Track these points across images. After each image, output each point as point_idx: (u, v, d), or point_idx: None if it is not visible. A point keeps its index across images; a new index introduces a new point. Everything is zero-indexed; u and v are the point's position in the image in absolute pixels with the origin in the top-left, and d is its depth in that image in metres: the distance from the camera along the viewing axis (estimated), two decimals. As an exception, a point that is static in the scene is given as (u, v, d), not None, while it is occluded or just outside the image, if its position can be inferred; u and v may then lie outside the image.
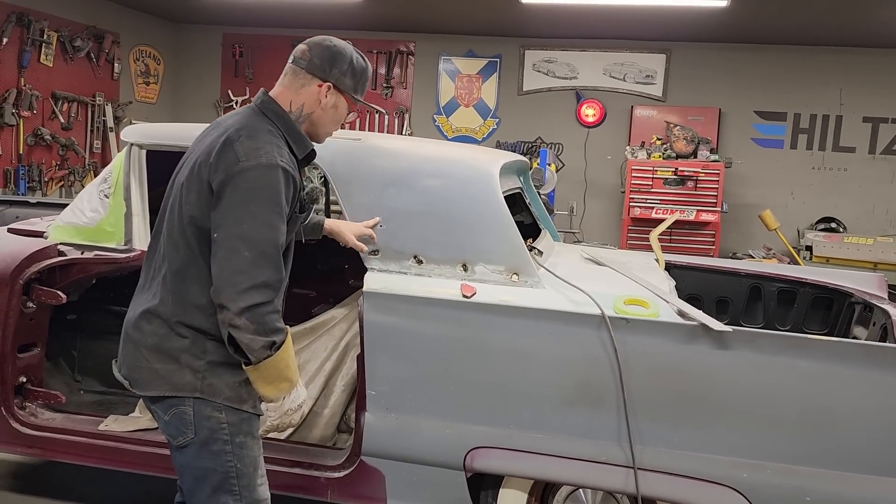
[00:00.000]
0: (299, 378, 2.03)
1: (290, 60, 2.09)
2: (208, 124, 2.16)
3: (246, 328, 1.83)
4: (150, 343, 1.98)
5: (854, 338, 3.20)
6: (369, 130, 9.09)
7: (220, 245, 1.86)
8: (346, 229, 2.56)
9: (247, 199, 1.86)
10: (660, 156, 7.95)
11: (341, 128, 2.22)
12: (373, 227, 2.60)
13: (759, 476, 2.30)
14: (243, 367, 1.92)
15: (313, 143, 2.13)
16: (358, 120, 9.07)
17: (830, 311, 3.54)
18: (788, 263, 6.93)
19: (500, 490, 2.62)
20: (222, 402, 1.96)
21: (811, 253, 7.67)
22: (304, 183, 2.14)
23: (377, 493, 2.61)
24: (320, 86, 2.05)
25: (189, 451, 1.98)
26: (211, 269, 1.88)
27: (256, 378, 1.92)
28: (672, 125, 8.16)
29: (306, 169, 2.33)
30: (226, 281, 1.83)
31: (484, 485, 2.64)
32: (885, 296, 3.35)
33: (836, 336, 3.36)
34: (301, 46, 2.10)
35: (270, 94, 2.08)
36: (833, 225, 8.13)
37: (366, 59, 2.17)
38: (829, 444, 2.27)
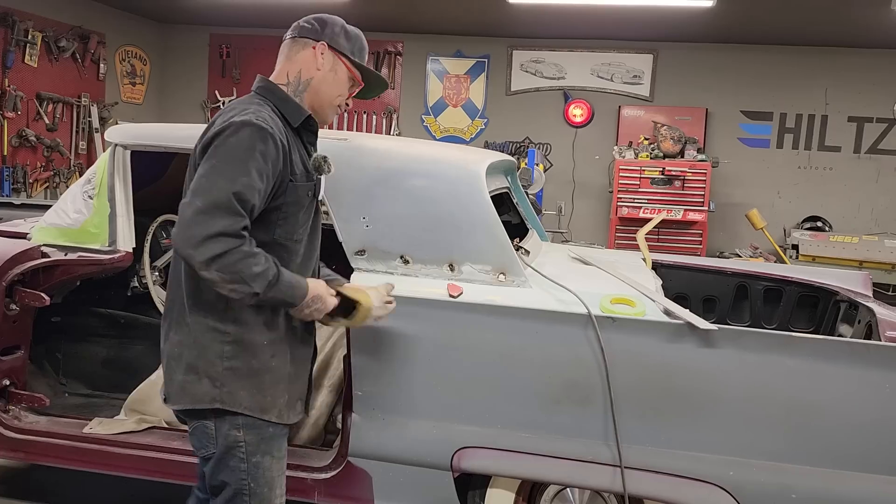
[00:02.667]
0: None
1: (283, 40, 2.07)
2: (195, 124, 2.14)
3: (222, 280, 1.77)
4: (174, 353, 1.97)
5: (839, 336, 3.22)
6: (357, 130, 9.07)
7: (181, 204, 1.81)
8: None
9: (211, 156, 1.82)
10: (647, 156, 7.98)
11: (347, 106, 2.12)
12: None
13: (745, 474, 2.31)
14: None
15: (312, 119, 2.04)
16: (346, 117, 9.06)
17: (816, 309, 3.56)
18: (775, 262, 6.97)
19: (488, 490, 2.62)
20: (242, 412, 1.92)
21: (797, 252, 7.72)
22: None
23: (364, 494, 2.60)
24: (314, 47, 2.01)
25: (209, 464, 1.98)
26: None
27: (305, 316, 1.95)
28: (659, 125, 8.19)
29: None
30: (179, 236, 1.77)
31: (471, 485, 2.64)
32: (870, 294, 3.38)
33: (822, 334, 3.37)
34: (294, 23, 2.08)
35: (270, 77, 2.04)
36: (819, 224, 8.18)
37: (358, 29, 2.11)
38: (814, 441, 2.28)
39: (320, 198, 2.11)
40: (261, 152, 1.82)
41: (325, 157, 2.03)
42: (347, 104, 2.11)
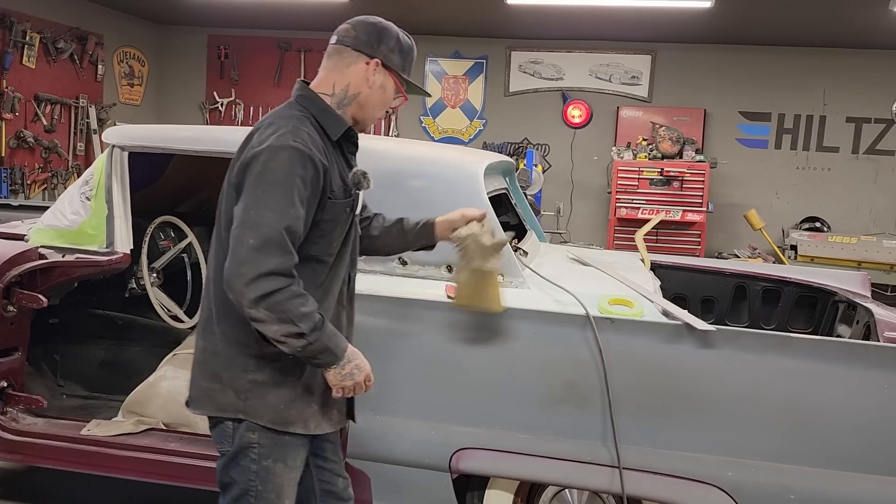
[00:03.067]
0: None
1: (331, 41, 1.99)
2: (193, 125, 2.11)
3: (269, 319, 1.74)
4: (200, 359, 1.96)
5: (838, 336, 3.22)
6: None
7: (231, 236, 1.79)
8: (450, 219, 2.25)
9: (255, 184, 1.78)
10: (646, 156, 7.99)
11: (386, 114, 2.07)
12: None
13: (743, 474, 2.30)
14: (324, 375, 1.87)
15: (353, 130, 2.00)
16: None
17: (815, 309, 3.56)
18: (773, 263, 6.98)
19: (486, 491, 2.62)
20: (264, 424, 1.91)
21: (796, 252, 7.73)
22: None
23: (363, 496, 2.60)
24: (368, 63, 1.94)
25: (223, 460, 1.98)
26: None
27: (343, 379, 1.88)
28: (658, 126, 8.19)
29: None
30: (232, 273, 1.75)
31: (470, 486, 2.63)
32: (869, 294, 3.38)
33: (821, 334, 3.37)
34: (343, 25, 1.99)
35: (311, 83, 1.98)
36: (817, 224, 8.19)
37: (411, 38, 2.06)
38: (813, 441, 2.27)
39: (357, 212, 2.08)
40: (301, 178, 1.79)
41: (364, 172, 2.00)
42: (387, 112, 2.09)
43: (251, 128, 1.96)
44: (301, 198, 1.79)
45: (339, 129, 1.95)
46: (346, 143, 2.00)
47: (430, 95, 2.23)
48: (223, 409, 1.92)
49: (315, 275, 1.92)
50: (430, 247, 2.31)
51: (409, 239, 2.28)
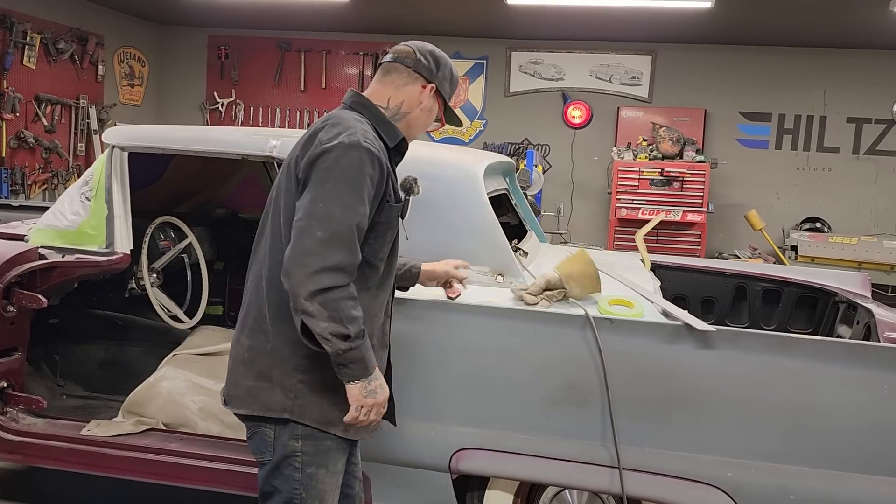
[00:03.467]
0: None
1: (388, 59, 2.07)
2: (193, 126, 2.12)
3: (320, 315, 1.74)
4: (246, 358, 1.96)
5: (838, 336, 3.22)
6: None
7: (294, 227, 1.79)
8: (442, 268, 2.39)
9: (324, 178, 1.80)
10: (646, 157, 7.98)
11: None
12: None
13: (743, 475, 2.30)
14: (346, 385, 1.85)
15: (405, 141, 2.06)
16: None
17: (815, 310, 3.56)
18: (774, 263, 6.97)
19: (486, 491, 2.62)
20: (308, 424, 1.92)
21: (796, 253, 7.73)
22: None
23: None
24: (424, 87, 2.04)
25: (264, 470, 1.99)
26: None
27: (367, 394, 1.86)
28: (658, 126, 8.19)
29: None
30: (295, 262, 1.75)
31: (470, 486, 2.63)
32: (869, 294, 3.38)
33: (821, 335, 3.37)
34: (403, 46, 2.08)
35: (364, 93, 2.05)
36: (818, 225, 8.18)
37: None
38: (813, 442, 2.27)
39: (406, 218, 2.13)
40: (370, 177, 1.83)
41: (415, 178, 2.08)
42: None
43: (252, 128, 1.99)
44: (369, 196, 1.84)
45: (395, 137, 2.01)
46: (394, 153, 2.04)
47: (461, 125, 2.28)
48: (269, 408, 1.92)
49: (365, 278, 1.94)
50: (406, 288, 2.39)
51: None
